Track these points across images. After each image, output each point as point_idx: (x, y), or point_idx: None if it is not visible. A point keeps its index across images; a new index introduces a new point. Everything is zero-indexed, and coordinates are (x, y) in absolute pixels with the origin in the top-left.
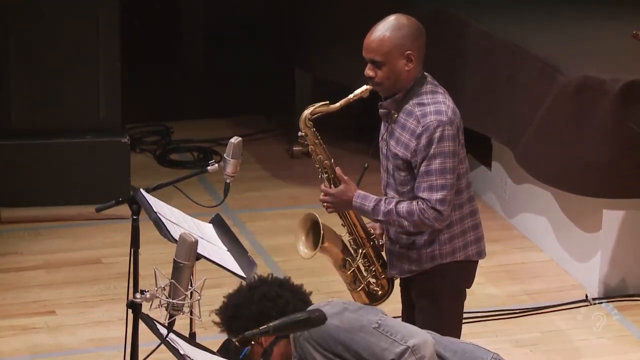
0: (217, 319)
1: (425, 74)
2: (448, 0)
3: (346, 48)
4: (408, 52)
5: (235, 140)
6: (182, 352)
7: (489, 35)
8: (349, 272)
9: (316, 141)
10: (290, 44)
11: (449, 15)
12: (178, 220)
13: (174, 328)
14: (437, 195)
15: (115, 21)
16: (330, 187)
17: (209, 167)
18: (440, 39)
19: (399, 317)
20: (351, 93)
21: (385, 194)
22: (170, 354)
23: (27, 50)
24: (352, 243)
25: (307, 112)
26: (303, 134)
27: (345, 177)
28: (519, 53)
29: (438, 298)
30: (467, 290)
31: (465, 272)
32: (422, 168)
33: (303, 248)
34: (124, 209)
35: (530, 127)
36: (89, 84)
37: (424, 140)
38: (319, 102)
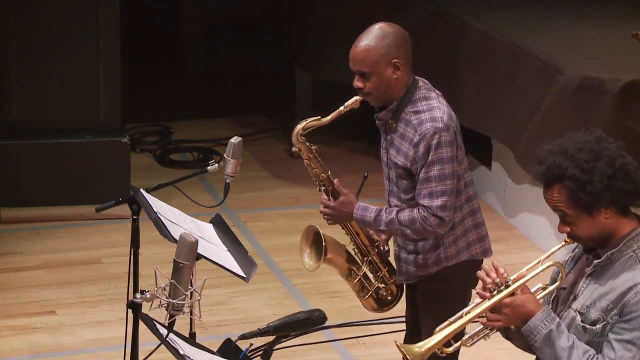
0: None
1: (417, 78)
2: (448, 0)
3: (346, 48)
4: (394, 60)
5: (235, 140)
6: (182, 352)
7: (489, 35)
8: (355, 281)
9: (311, 155)
10: (290, 44)
11: (449, 15)
12: (178, 220)
13: (174, 328)
14: (438, 201)
15: (115, 21)
16: (329, 199)
17: (209, 167)
18: (440, 38)
19: (402, 317)
20: (341, 105)
21: (389, 201)
22: (170, 354)
23: (27, 50)
24: (356, 251)
25: (299, 127)
26: (297, 149)
27: (344, 190)
28: (518, 53)
29: (443, 300)
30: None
31: (470, 272)
32: (422, 175)
33: (308, 260)
34: (124, 209)
35: (530, 126)
36: (89, 84)
37: (421, 148)
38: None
